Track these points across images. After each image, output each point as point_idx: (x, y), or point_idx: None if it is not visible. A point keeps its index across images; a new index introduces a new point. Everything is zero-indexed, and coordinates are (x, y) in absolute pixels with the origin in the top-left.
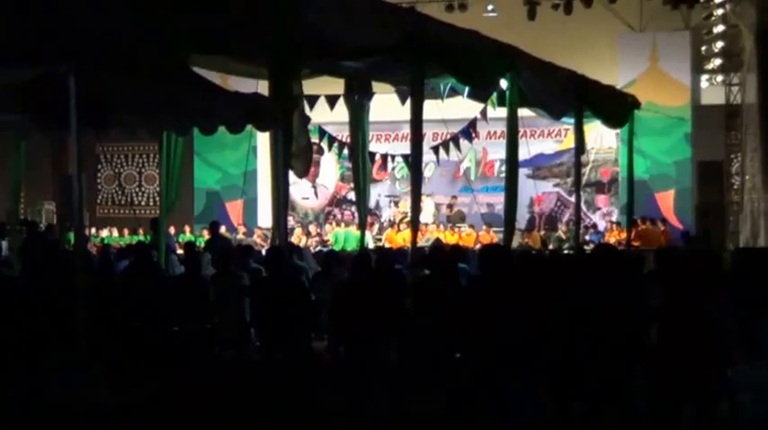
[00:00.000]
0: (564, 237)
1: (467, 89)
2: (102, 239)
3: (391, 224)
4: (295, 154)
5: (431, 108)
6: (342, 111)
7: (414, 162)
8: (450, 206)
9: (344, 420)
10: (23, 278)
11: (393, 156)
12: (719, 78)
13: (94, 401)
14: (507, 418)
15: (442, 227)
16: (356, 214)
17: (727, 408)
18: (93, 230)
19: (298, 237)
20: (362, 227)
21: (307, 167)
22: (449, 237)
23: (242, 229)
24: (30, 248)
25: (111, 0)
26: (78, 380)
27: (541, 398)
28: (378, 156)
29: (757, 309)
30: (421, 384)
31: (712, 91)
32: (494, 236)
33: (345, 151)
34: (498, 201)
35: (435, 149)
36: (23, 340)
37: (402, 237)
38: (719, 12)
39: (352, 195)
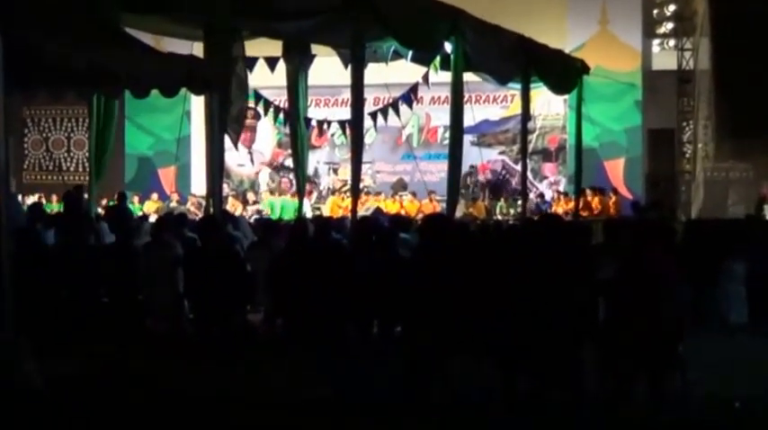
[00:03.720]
0: (506, 207)
1: (410, 52)
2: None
3: (333, 192)
4: (231, 119)
5: (373, 72)
6: (279, 75)
7: (352, 128)
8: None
9: (282, 396)
10: None
11: (329, 123)
12: (671, 43)
13: (21, 376)
14: (450, 394)
15: (383, 195)
16: (294, 182)
17: (679, 384)
18: (20, 197)
19: (232, 206)
20: (301, 195)
21: (238, 135)
22: (390, 206)
23: (175, 197)
24: None
25: None
26: (4, 353)
27: (487, 374)
28: (314, 122)
29: (709, 283)
30: (364, 357)
31: (664, 56)
32: (436, 205)
33: (281, 116)
34: (441, 168)
35: (374, 115)
36: None
37: (343, 205)
38: None
39: (289, 162)
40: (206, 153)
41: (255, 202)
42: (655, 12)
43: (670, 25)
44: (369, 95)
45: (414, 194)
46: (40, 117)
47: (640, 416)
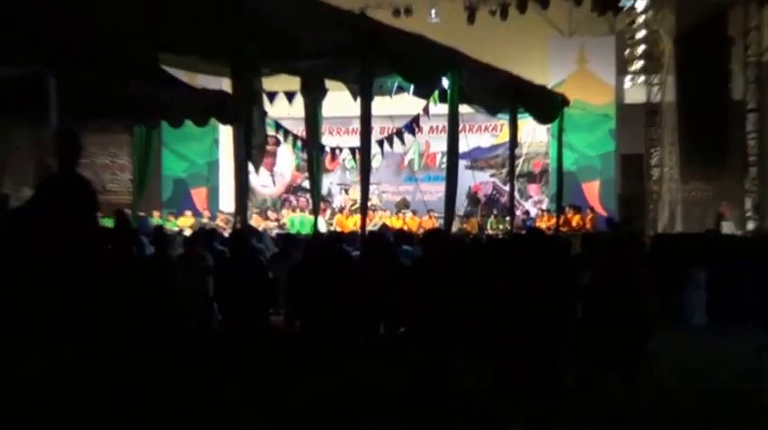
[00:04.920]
0: (495, 223)
1: (412, 87)
2: None
3: (340, 210)
4: (255, 147)
5: (379, 104)
6: (297, 107)
7: (362, 154)
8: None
9: (300, 390)
10: None
11: (341, 149)
12: (641, 79)
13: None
14: (447, 387)
15: (388, 212)
16: (310, 200)
17: (648, 377)
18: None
19: (256, 222)
20: (316, 212)
21: (260, 161)
22: (394, 222)
23: (206, 214)
24: None
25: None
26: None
27: (481, 370)
28: (327, 149)
29: (674, 289)
30: (371, 356)
31: (634, 90)
32: (435, 221)
33: (299, 143)
34: (440, 189)
35: (380, 143)
36: None
37: (352, 222)
38: (641, 18)
39: (306, 183)
40: (234, 175)
41: (277, 219)
42: (626, 52)
43: (640, 63)
44: (375, 125)
45: (414, 212)
46: (88, 144)
47: (613, 404)
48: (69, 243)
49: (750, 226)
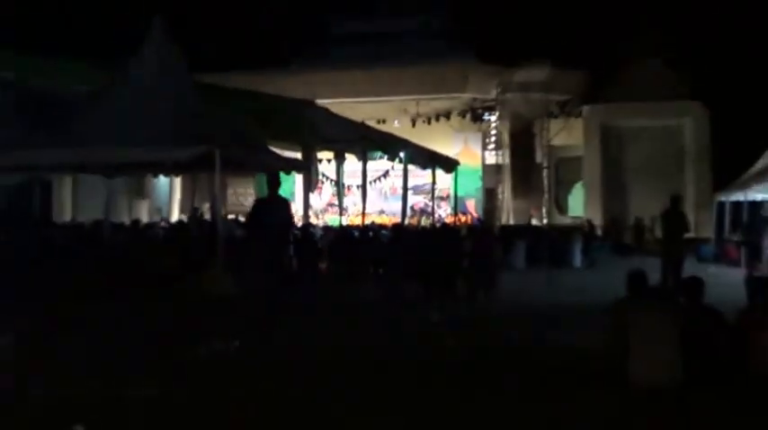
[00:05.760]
0: (425, 220)
1: (386, 155)
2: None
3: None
4: (312, 183)
5: (370, 164)
6: (332, 165)
7: (362, 187)
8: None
9: (336, 299)
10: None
11: (351, 185)
12: (494, 152)
13: (223, 287)
14: (399, 298)
15: (375, 215)
16: (338, 210)
17: (496, 295)
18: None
19: (313, 220)
20: (341, 215)
21: (314, 189)
22: (378, 220)
23: None
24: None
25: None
26: (220, 278)
27: (417, 290)
28: (347, 185)
29: (508, 250)
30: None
31: (491, 157)
32: (398, 219)
33: (333, 183)
34: (399, 204)
35: (371, 182)
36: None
37: (358, 220)
38: (494, 124)
39: (335, 201)
40: (303, 197)
41: (323, 219)
42: (486, 139)
43: (493, 145)
44: (368, 173)
45: (386, 215)
46: (231, 182)
47: (480, 307)
48: (282, 230)
49: (545, 221)
